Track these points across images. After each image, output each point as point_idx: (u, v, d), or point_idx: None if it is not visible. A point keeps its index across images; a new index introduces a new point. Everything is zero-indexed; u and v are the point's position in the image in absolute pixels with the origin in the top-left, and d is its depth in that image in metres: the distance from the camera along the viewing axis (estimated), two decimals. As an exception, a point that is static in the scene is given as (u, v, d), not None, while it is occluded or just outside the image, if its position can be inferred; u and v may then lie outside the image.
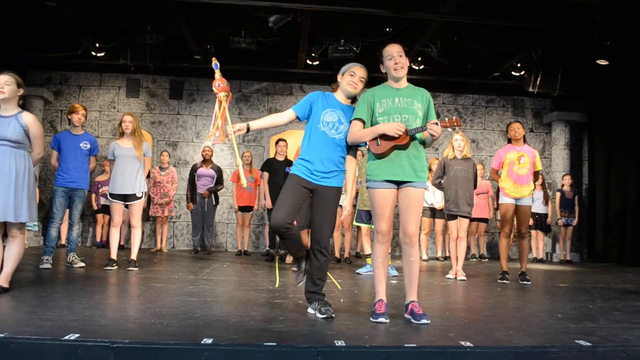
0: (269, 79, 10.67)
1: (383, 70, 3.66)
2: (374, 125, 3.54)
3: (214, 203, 9.12)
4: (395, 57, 3.55)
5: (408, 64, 3.64)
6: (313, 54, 9.28)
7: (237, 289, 4.89)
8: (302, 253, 3.67)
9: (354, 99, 3.74)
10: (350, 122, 3.59)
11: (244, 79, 10.63)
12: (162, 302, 3.90)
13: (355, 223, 6.92)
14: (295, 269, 3.75)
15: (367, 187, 3.61)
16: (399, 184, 3.52)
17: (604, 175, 10.39)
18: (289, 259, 7.29)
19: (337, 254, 8.24)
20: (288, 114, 3.69)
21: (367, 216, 6.70)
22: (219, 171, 9.15)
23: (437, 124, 3.39)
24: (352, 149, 3.67)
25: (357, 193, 7.27)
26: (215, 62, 3.76)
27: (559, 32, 8.17)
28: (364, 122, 3.55)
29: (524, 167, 6.18)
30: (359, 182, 8.32)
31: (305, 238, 6.63)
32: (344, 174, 3.64)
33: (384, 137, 3.49)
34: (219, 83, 3.72)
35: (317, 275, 3.62)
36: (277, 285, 5.18)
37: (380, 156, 3.50)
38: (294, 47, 9.12)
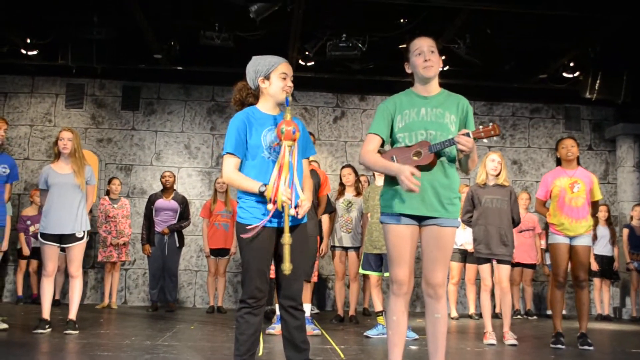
0: (250, 83, 10.71)
1: (408, 70, 3.69)
2: (393, 142, 3.59)
3: (178, 245, 9.07)
4: (425, 53, 3.57)
5: (441, 64, 3.67)
6: (307, 53, 9.36)
7: (208, 359, 4.81)
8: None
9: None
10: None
11: (217, 84, 10.70)
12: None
13: (362, 271, 6.86)
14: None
15: (381, 223, 3.60)
16: (421, 219, 3.51)
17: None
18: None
19: (340, 312, 8.17)
20: (234, 163, 3.64)
21: (378, 262, 6.66)
22: (183, 203, 9.14)
23: (468, 134, 3.38)
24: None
25: (361, 231, 7.29)
26: (287, 97, 3.72)
27: (621, 21, 8.24)
28: (382, 139, 3.58)
29: (578, 197, 6.18)
30: (361, 215, 8.30)
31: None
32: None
33: (400, 152, 3.50)
34: (286, 127, 3.52)
35: (300, 338, 3.63)
36: (260, 354, 5.13)
37: (397, 182, 3.42)
38: (282, 44, 9.19)
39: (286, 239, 3.41)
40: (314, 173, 6.85)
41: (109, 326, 7.09)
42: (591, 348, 5.97)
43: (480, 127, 3.47)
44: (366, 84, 10.75)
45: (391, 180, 3.51)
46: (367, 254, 6.76)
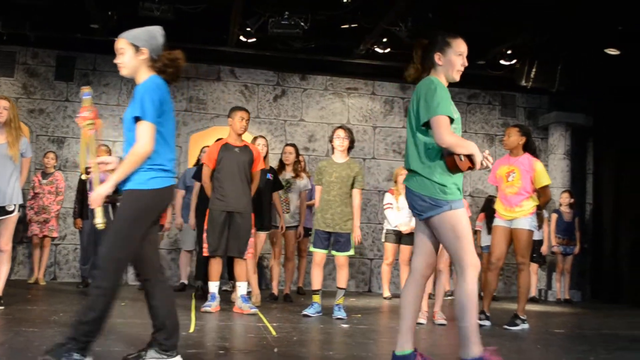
0: (191, 58, 10.25)
1: (439, 61, 3.70)
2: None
3: (112, 218, 8.90)
4: (464, 58, 3.72)
5: None
6: (249, 29, 9.26)
7: (138, 336, 4.75)
8: None
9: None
10: (429, 119, 3.52)
11: (156, 57, 10.50)
12: (33, 354, 3.77)
13: (312, 248, 6.70)
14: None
15: (455, 209, 3.53)
16: None
17: (613, 192, 10.78)
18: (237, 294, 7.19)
19: (274, 290, 8.18)
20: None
21: (327, 240, 6.63)
22: (119, 177, 8.98)
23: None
24: None
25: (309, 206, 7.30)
26: (86, 92, 3.74)
27: (558, 12, 8.43)
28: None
29: (512, 186, 6.37)
30: (311, 187, 8.29)
31: (219, 267, 6.67)
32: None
33: None
34: (87, 112, 3.68)
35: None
36: (191, 330, 5.11)
37: (454, 171, 3.55)
38: (224, 19, 9.08)
39: (91, 198, 3.57)
40: (246, 149, 6.81)
41: (37, 302, 6.95)
42: (515, 328, 6.16)
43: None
44: (308, 63, 10.71)
45: (451, 169, 3.54)
46: (318, 231, 6.60)
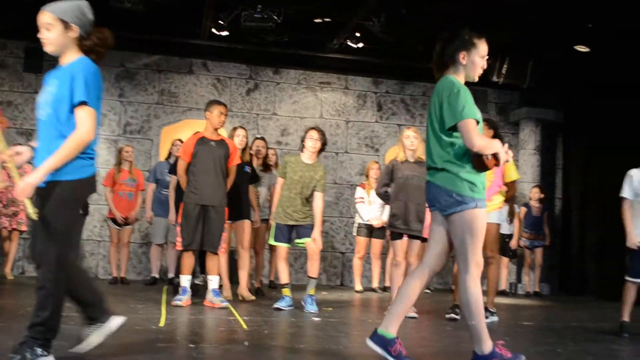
0: (162, 51, 10.48)
1: (463, 60, 3.73)
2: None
3: (81, 212, 8.81)
4: (485, 59, 3.77)
5: None
6: (221, 22, 9.21)
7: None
8: None
9: None
10: (456, 123, 3.54)
11: (128, 49, 10.36)
12: (0, 348, 3.72)
13: (272, 242, 6.76)
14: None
15: (478, 208, 3.56)
16: None
17: (581, 187, 10.94)
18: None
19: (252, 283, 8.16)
20: None
21: (289, 233, 6.64)
22: (89, 170, 8.89)
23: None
24: None
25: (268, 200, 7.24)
26: None
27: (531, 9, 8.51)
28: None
29: (485, 180, 6.40)
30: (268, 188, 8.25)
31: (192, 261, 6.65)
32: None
33: None
34: None
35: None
36: (161, 324, 5.09)
37: (481, 170, 3.60)
38: (196, 12, 9.01)
39: (19, 188, 3.18)
40: (223, 143, 6.78)
41: (4, 296, 6.86)
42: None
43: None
44: (281, 57, 10.69)
45: (478, 167, 3.59)
46: (280, 225, 6.62)
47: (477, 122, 3.55)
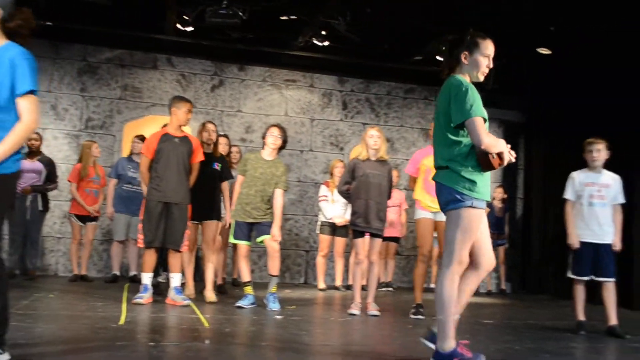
0: (126, 45, 10.35)
1: (465, 60, 3.78)
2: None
3: (41, 209, 8.69)
4: (490, 60, 3.81)
5: None
6: (186, 17, 9.15)
7: (64, 328, 4.72)
8: None
9: None
10: (464, 121, 3.61)
11: (90, 43, 10.22)
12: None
13: (232, 240, 6.73)
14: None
15: (475, 208, 3.64)
16: None
17: (542, 188, 11.10)
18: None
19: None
20: None
21: (249, 231, 6.64)
22: (50, 165, 8.74)
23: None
24: None
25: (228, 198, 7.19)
26: None
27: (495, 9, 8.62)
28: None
29: None
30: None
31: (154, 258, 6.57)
32: None
33: None
34: None
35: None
36: (122, 322, 5.04)
37: (487, 169, 3.64)
38: (160, 6, 8.95)
39: None
40: (186, 139, 6.72)
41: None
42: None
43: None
44: (246, 54, 10.64)
45: (483, 167, 3.63)
46: (239, 222, 6.61)
47: (485, 121, 3.62)
